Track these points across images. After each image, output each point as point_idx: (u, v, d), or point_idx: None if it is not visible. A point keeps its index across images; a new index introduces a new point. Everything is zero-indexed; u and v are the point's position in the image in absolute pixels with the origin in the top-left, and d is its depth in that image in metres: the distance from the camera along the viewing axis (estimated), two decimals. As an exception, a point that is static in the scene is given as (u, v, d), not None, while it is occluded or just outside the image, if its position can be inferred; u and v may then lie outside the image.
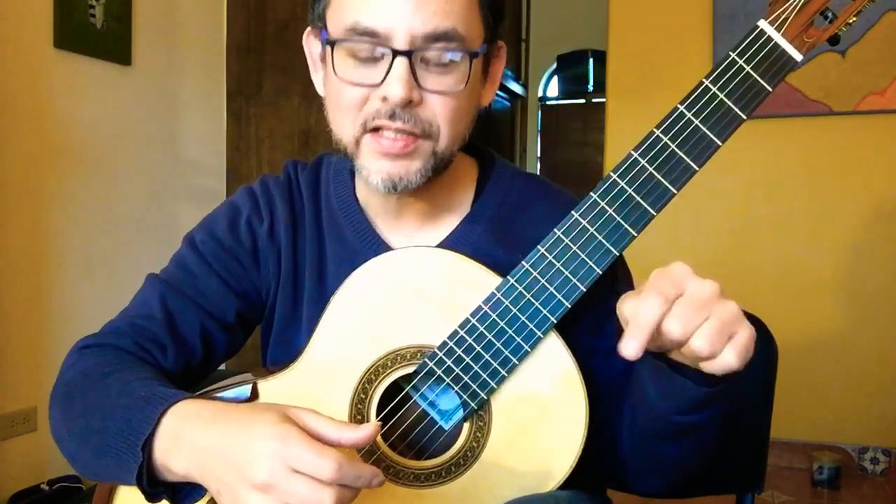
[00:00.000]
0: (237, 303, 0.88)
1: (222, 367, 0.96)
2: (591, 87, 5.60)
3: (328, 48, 0.78)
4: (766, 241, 2.88)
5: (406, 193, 0.81)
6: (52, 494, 2.15)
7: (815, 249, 2.82)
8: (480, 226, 0.86)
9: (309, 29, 0.86)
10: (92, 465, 0.75)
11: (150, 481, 0.68)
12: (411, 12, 0.73)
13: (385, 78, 0.74)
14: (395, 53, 0.73)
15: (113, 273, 2.47)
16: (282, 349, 0.88)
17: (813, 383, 2.78)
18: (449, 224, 0.87)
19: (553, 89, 6.00)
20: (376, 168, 0.78)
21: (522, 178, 0.92)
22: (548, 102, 5.96)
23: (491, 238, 0.85)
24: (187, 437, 0.66)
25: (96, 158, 2.42)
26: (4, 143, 2.11)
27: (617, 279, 0.86)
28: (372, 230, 0.87)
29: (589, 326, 0.83)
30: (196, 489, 0.70)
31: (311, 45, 0.86)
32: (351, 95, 0.77)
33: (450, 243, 0.85)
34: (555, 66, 5.82)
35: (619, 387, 0.82)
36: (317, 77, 0.87)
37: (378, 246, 0.86)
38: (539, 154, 5.90)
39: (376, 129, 0.77)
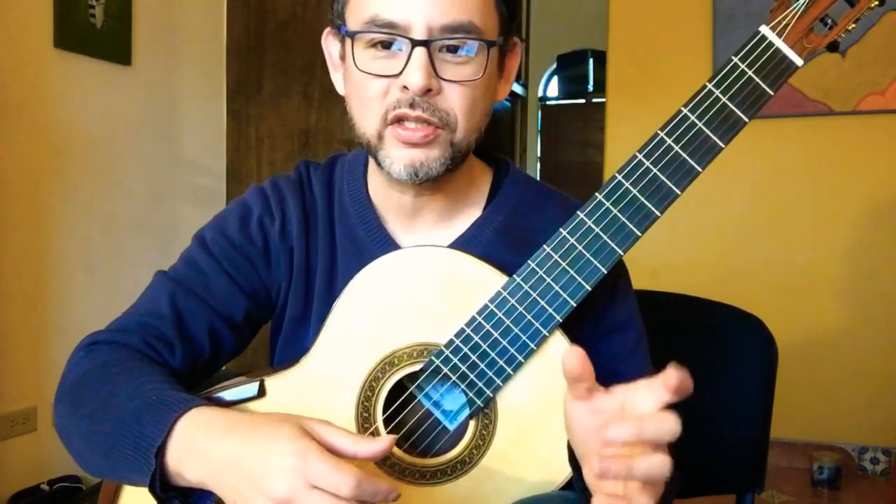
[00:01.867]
0: (246, 302, 0.88)
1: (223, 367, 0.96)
2: (591, 87, 5.60)
3: (348, 42, 0.79)
4: (766, 240, 2.88)
5: (423, 190, 0.82)
6: (52, 494, 2.15)
7: (815, 249, 2.83)
8: (491, 229, 0.87)
9: (328, 29, 0.87)
10: (100, 465, 0.75)
11: (163, 486, 0.69)
12: (429, 4, 0.75)
13: (404, 68, 0.76)
14: (414, 44, 0.75)
15: (113, 273, 2.48)
16: (291, 349, 0.89)
17: (813, 383, 2.79)
18: (461, 226, 0.88)
19: (553, 89, 6.00)
20: (399, 156, 0.79)
21: (535, 186, 0.93)
22: (548, 102, 5.96)
23: (500, 241, 0.86)
24: (201, 446, 0.66)
25: (96, 158, 2.42)
26: (4, 143, 2.11)
27: (616, 297, 0.87)
28: (383, 229, 0.88)
29: (586, 340, 0.83)
30: (207, 493, 0.70)
31: (331, 45, 0.87)
32: (372, 87, 0.78)
33: (460, 244, 0.86)
34: (555, 66, 5.82)
35: None
36: (336, 76, 0.88)
37: (388, 245, 0.87)
38: (539, 154, 5.90)
39: (397, 121, 0.78)
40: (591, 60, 5.52)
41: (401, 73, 0.76)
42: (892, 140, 2.72)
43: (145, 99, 2.64)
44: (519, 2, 0.87)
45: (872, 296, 2.77)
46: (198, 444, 0.67)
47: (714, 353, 1.15)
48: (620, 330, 0.87)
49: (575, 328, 0.80)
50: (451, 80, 0.77)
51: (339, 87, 0.87)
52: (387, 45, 0.77)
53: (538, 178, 5.55)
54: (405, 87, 0.76)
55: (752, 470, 1.12)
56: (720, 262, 2.92)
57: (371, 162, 0.87)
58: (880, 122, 2.73)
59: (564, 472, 0.76)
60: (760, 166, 2.87)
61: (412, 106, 0.77)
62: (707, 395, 1.14)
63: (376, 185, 0.89)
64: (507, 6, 0.82)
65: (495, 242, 0.86)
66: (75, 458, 0.79)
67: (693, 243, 2.96)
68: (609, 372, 0.85)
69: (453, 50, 0.77)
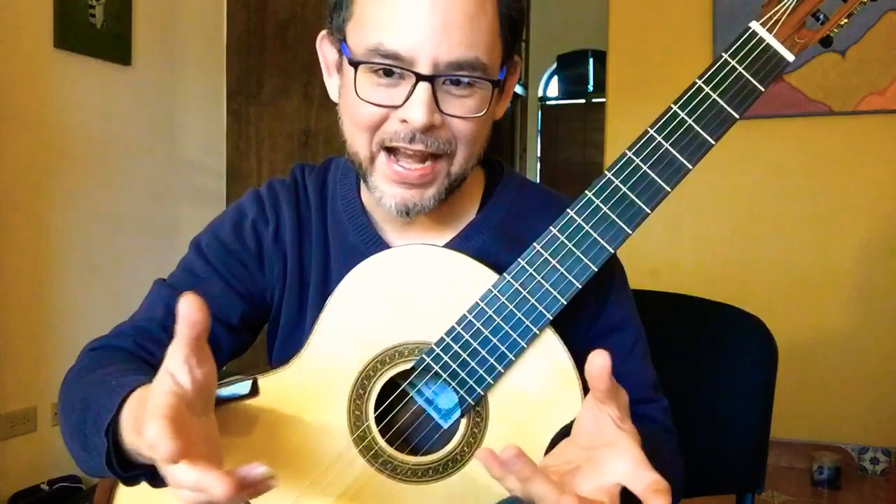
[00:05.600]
0: (241, 305, 0.88)
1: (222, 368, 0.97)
2: (591, 87, 5.60)
3: (350, 67, 0.77)
4: (766, 240, 2.88)
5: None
6: (52, 494, 2.16)
7: (815, 249, 2.82)
8: (485, 233, 0.87)
9: (324, 33, 0.85)
10: (84, 460, 0.76)
11: (123, 465, 0.68)
12: (437, 39, 0.73)
13: (406, 101, 0.74)
14: (419, 78, 0.74)
15: (113, 273, 2.48)
16: (287, 351, 0.88)
17: (813, 383, 2.78)
18: (455, 229, 0.88)
19: (553, 89, 6.01)
20: (390, 193, 0.79)
21: (529, 187, 0.92)
22: (548, 102, 5.96)
23: (495, 241, 0.86)
24: (139, 418, 0.65)
25: (96, 158, 2.43)
26: (4, 143, 2.11)
27: (610, 298, 0.87)
28: (375, 233, 0.88)
29: (582, 341, 0.83)
30: None
31: (326, 49, 0.86)
32: (369, 114, 0.77)
33: (454, 245, 0.85)
34: (555, 66, 5.82)
35: None
36: (330, 82, 0.87)
37: (380, 248, 0.86)
38: (539, 154, 5.90)
39: (391, 150, 0.77)
40: (591, 60, 5.53)
41: (402, 105, 0.75)
42: (892, 140, 2.72)
43: (145, 99, 2.64)
44: (523, 23, 0.85)
45: (873, 296, 2.77)
46: (133, 415, 0.66)
47: (714, 353, 1.15)
48: (616, 330, 0.87)
49: (570, 329, 0.79)
50: (453, 116, 0.76)
51: (333, 93, 0.86)
52: (389, 73, 0.75)
53: (538, 179, 5.55)
54: (405, 121, 0.75)
55: (752, 470, 1.12)
56: (720, 263, 2.91)
57: None
58: (880, 122, 2.72)
59: (555, 470, 0.76)
60: (760, 166, 2.86)
61: (412, 141, 0.76)
62: (707, 395, 1.14)
63: (368, 192, 0.88)
64: (511, 31, 0.80)
65: (490, 243, 0.86)
66: (73, 458, 0.79)
67: (693, 244, 2.96)
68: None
69: (456, 82, 0.76)
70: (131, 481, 0.70)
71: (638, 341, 0.88)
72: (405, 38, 0.73)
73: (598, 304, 0.86)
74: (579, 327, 0.84)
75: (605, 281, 0.85)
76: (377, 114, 0.77)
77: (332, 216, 0.90)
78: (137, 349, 0.83)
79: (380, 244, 0.87)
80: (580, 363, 0.76)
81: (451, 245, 0.86)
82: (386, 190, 0.79)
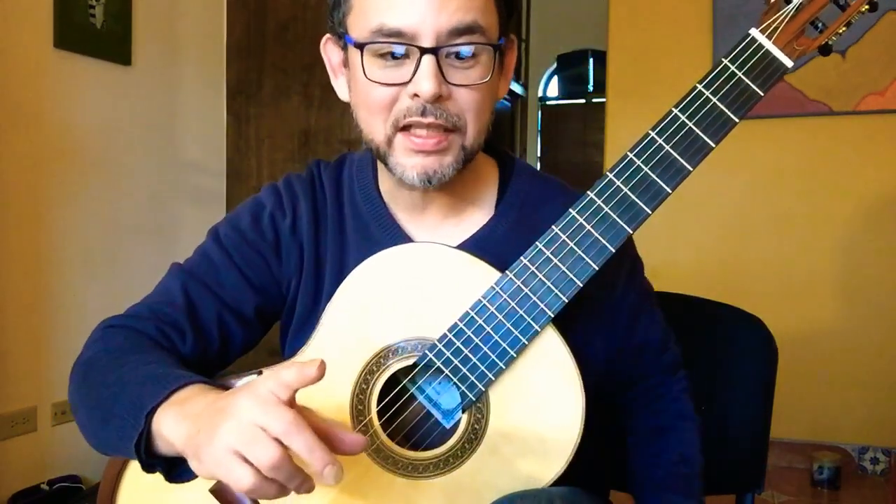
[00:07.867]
0: (255, 297, 0.90)
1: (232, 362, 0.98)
2: (591, 87, 5.60)
3: (356, 51, 0.79)
4: (765, 240, 2.88)
5: (433, 188, 0.84)
6: (52, 494, 2.16)
7: (814, 249, 2.83)
8: (507, 222, 0.89)
9: (327, 36, 0.88)
10: (98, 433, 0.78)
11: (148, 451, 0.70)
12: (435, 10, 0.75)
13: (413, 76, 0.77)
14: (423, 52, 0.76)
15: (113, 273, 2.48)
16: (300, 340, 0.90)
17: (812, 383, 2.78)
18: (471, 219, 0.89)
19: (553, 89, 6.00)
20: (411, 164, 0.80)
21: (540, 177, 0.95)
22: (548, 102, 5.96)
23: (515, 235, 0.87)
24: (184, 406, 0.68)
25: (96, 158, 2.43)
26: (4, 143, 2.11)
27: (640, 318, 0.93)
28: (396, 225, 0.89)
29: (613, 348, 0.89)
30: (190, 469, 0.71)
31: (330, 52, 0.88)
32: (381, 95, 0.79)
33: (475, 242, 0.87)
34: (555, 66, 5.82)
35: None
36: (338, 83, 0.89)
37: (400, 238, 0.88)
38: (539, 154, 5.90)
39: (407, 128, 0.79)
40: (591, 60, 5.52)
41: (410, 80, 0.77)
42: (892, 140, 2.72)
43: (145, 99, 2.64)
44: (517, 0, 0.88)
45: (873, 295, 2.77)
46: (182, 403, 0.69)
47: (714, 353, 1.15)
48: (646, 342, 0.94)
49: (607, 335, 0.86)
50: (459, 85, 0.78)
51: (342, 94, 0.88)
52: (394, 55, 0.78)
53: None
54: (415, 95, 0.77)
55: (752, 470, 1.12)
56: (720, 263, 2.91)
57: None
58: (880, 122, 2.73)
59: (556, 467, 0.76)
60: (760, 166, 2.87)
61: (423, 113, 0.78)
62: (707, 395, 1.14)
63: (385, 181, 0.90)
64: (506, 5, 0.83)
65: (511, 237, 0.87)
66: (80, 428, 0.81)
67: (693, 243, 2.96)
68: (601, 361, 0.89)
69: (459, 55, 0.78)
70: (150, 468, 0.72)
71: (661, 331, 0.96)
72: (405, 14, 0.76)
73: (631, 316, 0.91)
74: (614, 333, 0.90)
75: (634, 293, 0.92)
76: (388, 93, 0.79)
77: (350, 207, 0.92)
78: (158, 335, 0.85)
79: (399, 234, 0.89)
80: (617, 368, 0.83)
81: (472, 240, 0.87)
82: (407, 162, 0.81)
